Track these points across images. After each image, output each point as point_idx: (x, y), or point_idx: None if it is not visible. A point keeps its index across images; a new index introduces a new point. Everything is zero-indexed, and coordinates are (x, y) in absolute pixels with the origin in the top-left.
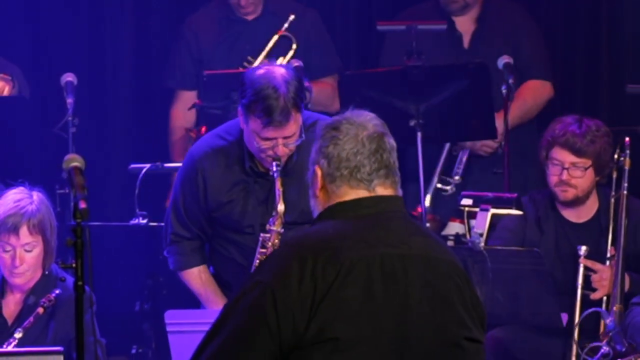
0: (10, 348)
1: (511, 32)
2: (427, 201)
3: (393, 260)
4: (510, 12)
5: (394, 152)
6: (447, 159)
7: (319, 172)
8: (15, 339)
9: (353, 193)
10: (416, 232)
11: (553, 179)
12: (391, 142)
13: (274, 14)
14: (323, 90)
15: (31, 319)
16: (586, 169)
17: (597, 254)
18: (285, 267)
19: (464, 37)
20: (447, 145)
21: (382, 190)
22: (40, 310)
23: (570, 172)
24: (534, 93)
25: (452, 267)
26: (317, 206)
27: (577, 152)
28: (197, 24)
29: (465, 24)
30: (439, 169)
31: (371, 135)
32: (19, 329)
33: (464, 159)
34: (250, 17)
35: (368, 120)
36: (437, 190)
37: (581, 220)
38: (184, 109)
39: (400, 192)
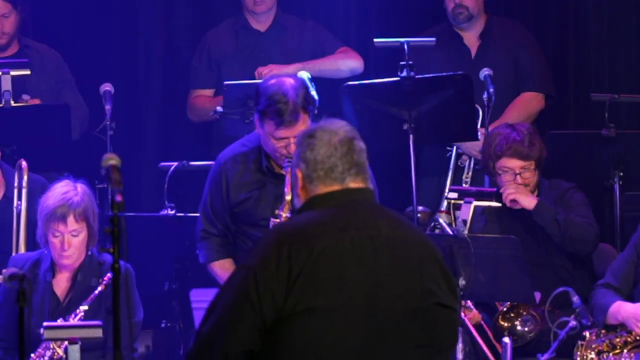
0: (77, 319)
1: (512, 46)
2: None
3: (362, 240)
4: (511, 28)
5: (364, 153)
6: (454, 170)
7: (299, 175)
8: (82, 310)
9: (328, 189)
10: (383, 216)
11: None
12: (361, 144)
13: (285, 29)
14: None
15: (95, 293)
16: (534, 169)
17: (542, 236)
18: (266, 252)
19: (471, 51)
20: (453, 158)
21: (354, 184)
22: (102, 287)
23: (522, 175)
24: (527, 105)
25: (418, 244)
26: (299, 204)
27: (525, 158)
28: (216, 35)
29: (471, 39)
30: (448, 181)
31: (342, 139)
32: (85, 303)
33: (471, 166)
34: (262, 27)
35: (339, 127)
36: (450, 203)
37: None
38: (199, 100)
39: (371, 186)
